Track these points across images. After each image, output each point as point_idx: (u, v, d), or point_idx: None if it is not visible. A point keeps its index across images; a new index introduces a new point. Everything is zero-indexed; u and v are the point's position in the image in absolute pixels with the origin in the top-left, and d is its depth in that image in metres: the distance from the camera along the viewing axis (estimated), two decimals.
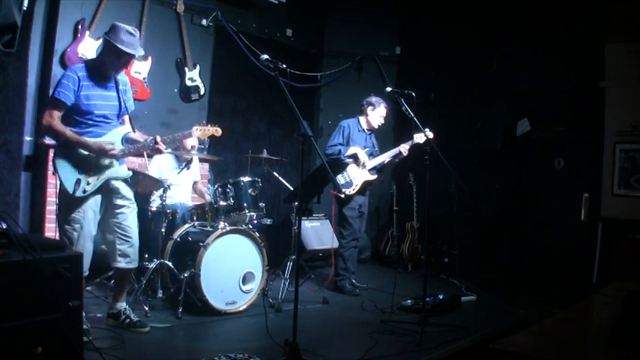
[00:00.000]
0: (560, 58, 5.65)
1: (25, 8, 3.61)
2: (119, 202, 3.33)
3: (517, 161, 6.02)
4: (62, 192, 3.18)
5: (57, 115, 3.08)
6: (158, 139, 3.26)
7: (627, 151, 5.18)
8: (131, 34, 3.17)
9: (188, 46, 5.45)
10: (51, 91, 3.18)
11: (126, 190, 3.38)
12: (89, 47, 4.66)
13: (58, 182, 3.18)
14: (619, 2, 5.24)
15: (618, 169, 5.21)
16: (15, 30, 3.46)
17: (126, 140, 3.40)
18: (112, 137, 3.27)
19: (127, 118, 3.46)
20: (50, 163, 4.46)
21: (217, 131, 3.58)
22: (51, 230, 4.48)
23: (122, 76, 3.40)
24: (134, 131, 3.45)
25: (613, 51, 5.26)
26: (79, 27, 4.61)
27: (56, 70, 4.55)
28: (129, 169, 3.54)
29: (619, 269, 4.64)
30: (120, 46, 3.12)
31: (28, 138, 4.47)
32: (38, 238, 3.29)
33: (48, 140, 4.51)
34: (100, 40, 4.72)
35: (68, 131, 3.10)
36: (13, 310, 2.27)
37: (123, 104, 3.33)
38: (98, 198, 3.26)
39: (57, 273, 2.42)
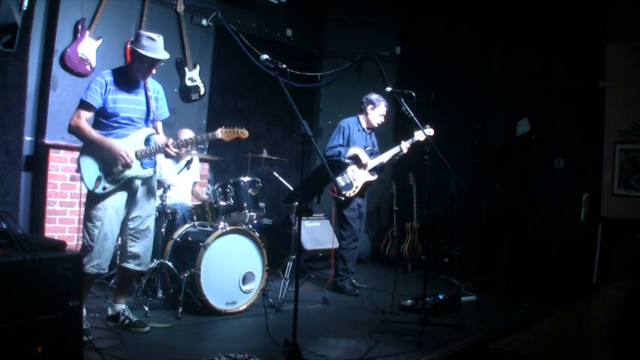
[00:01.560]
0: (560, 58, 5.65)
1: (25, 8, 3.60)
2: (138, 205, 3.40)
3: (517, 161, 6.02)
4: (87, 191, 3.27)
5: (84, 116, 3.22)
6: (169, 142, 3.34)
7: (627, 151, 5.18)
8: (152, 39, 3.29)
9: (188, 46, 5.46)
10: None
11: (147, 198, 3.45)
12: (89, 47, 4.66)
13: (82, 182, 3.26)
14: (619, 2, 5.24)
15: (618, 169, 5.22)
16: (15, 30, 3.46)
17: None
18: (135, 138, 3.33)
19: (158, 125, 3.55)
20: (52, 163, 4.51)
21: (243, 133, 3.54)
22: (51, 230, 4.48)
23: (154, 84, 3.49)
24: (157, 134, 3.52)
25: (613, 51, 5.27)
26: (79, 27, 4.61)
27: (56, 70, 4.56)
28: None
29: (619, 269, 4.64)
30: (141, 51, 3.24)
31: (28, 138, 4.47)
32: (38, 238, 3.29)
33: (48, 140, 4.52)
34: (100, 40, 4.75)
35: (93, 132, 3.22)
36: (13, 310, 2.26)
37: (152, 110, 3.41)
38: (122, 199, 3.31)
39: (57, 273, 2.42)
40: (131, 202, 3.38)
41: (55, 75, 4.56)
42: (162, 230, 4.16)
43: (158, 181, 4.31)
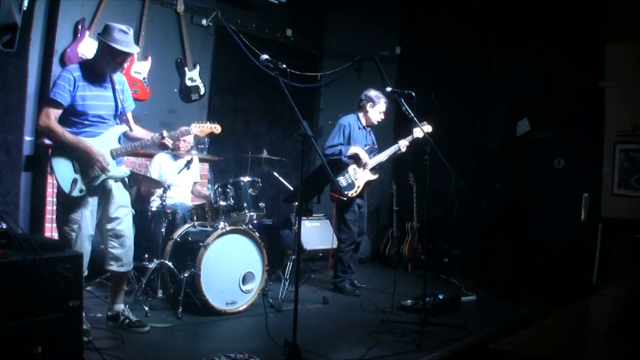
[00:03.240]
0: (560, 58, 5.65)
1: (25, 8, 3.60)
2: (113, 206, 3.31)
3: (517, 161, 6.02)
4: (59, 192, 3.17)
5: (53, 115, 3.09)
6: (165, 134, 3.30)
7: (627, 151, 5.18)
8: (124, 32, 3.17)
9: (188, 46, 5.45)
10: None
11: (121, 194, 3.36)
12: (89, 47, 4.66)
13: (55, 183, 3.18)
14: (619, 2, 5.24)
15: (618, 169, 5.22)
16: (15, 30, 3.45)
17: (128, 138, 3.41)
18: (108, 137, 3.26)
19: (128, 116, 3.46)
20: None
21: (216, 128, 3.55)
22: (51, 230, 4.48)
23: (118, 76, 3.39)
24: (131, 130, 3.46)
25: (613, 51, 5.26)
26: (79, 27, 4.61)
27: (56, 70, 4.54)
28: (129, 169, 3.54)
29: (619, 269, 4.63)
30: (113, 44, 3.13)
31: (28, 138, 4.46)
32: (38, 238, 3.29)
33: (48, 140, 4.51)
34: None
35: (66, 132, 3.11)
36: (13, 310, 2.26)
37: (120, 104, 3.33)
38: (96, 199, 3.26)
39: (57, 273, 2.42)
40: (106, 202, 3.30)
41: (55, 75, 4.53)
42: (163, 230, 4.16)
43: (158, 181, 4.32)
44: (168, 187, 4.21)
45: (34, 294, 2.32)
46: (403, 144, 4.82)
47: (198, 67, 5.55)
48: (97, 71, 3.23)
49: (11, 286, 2.26)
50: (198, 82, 5.57)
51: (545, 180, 5.78)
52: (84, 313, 2.84)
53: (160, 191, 4.23)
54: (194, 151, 4.79)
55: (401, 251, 6.35)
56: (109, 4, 4.79)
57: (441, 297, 4.35)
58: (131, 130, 3.47)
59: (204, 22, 5.63)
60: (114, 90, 3.30)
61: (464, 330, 3.76)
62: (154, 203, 4.45)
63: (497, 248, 6.05)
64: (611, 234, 4.98)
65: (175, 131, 3.45)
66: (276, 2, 6.23)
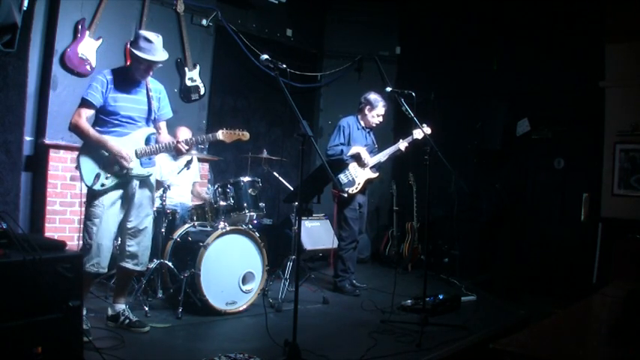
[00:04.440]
0: (560, 58, 5.65)
1: (25, 8, 3.60)
2: (136, 206, 3.40)
3: (517, 161, 6.02)
4: (87, 189, 3.29)
5: (85, 114, 3.25)
6: (180, 138, 3.39)
7: (627, 151, 5.18)
8: (149, 41, 3.30)
9: (188, 46, 5.46)
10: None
11: (145, 195, 3.45)
12: (89, 47, 4.66)
13: (81, 180, 3.27)
14: (619, 2, 5.24)
15: (618, 169, 5.22)
16: (15, 30, 3.46)
17: (155, 141, 3.49)
18: (135, 137, 3.35)
19: (162, 125, 3.58)
20: (52, 162, 4.51)
21: (244, 135, 3.55)
22: (51, 230, 4.48)
23: (156, 84, 3.51)
24: (159, 134, 3.55)
25: (613, 51, 5.27)
26: (79, 27, 4.61)
27: (56, 70, 4.55)
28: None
29: (619, 269, 4.64)
30: (137, 52, 3.27)
31: (28, 138, 4.47)
32: (38, 238, 3.29)
33: (48, 140, 4.52)
34: (101, 40, 4.75)
35: (92, 130, 3.24)
36: (13, 310, 2.26)
37: (154, 110, 3.44)
38: (120, 197, 3.33)
39: (57, 273, 2.42)
40: (129, 202, 3.39)
41: (55, 75, 4.56)
42: (163, 230, 4.16)
43: (158, 181, 4.32)
44: (168, 187, 4.20)
45: (34, 294, 2.32)
46: (403, 145, 4.85)
47: (198, 67, 5.55)
48: (129, 76, 3.37)
49: (11, 286, 2.26)
50: (198, 82, 5.57)
51: (545, 180, 5.78)
52: (84, 313, 2.85)
53: (160, 191, 4.23)
54: (194, 151, 4.78)
55: (401, 251, 6.35)
56: (109, 4, 4.79)
57: (441, 297, 4.35)
58: (160, 134, 3.56)
59: (204, 22, 5.63)
60: (148, 95, 3.42)
61: (464, 330, 3.76)
62: (154, 203, 4.45)
63: (497, 248, 6.06)
64: (611, 234, 4.99)
65: (199, 136, 3.53)
66: (276, 2, 6.23)
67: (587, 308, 2.72)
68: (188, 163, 4.61)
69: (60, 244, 2.60)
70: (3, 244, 2.33)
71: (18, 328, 2.26)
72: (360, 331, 3.76)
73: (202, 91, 5.63)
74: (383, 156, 4.93)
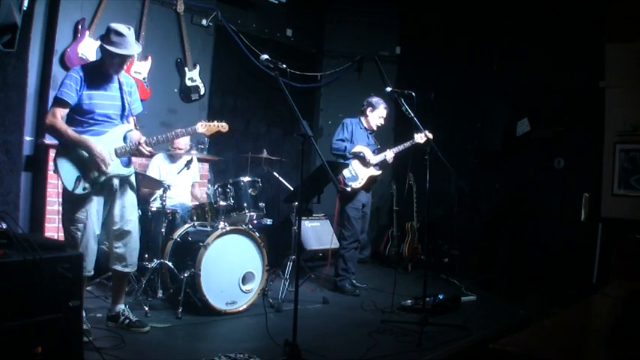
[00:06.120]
0: (560, 58, 5.65)
1: (25, 8, 3.60)
2: (119, 206, 3.32)
3: (517, 161, 6.02)
4: (65, 191, 3.18)
5: (60, 114, 3.12)
6: (142, 140, 3.28)
7: (627, 151, 5.18)
8: (120, 34, 3.17)
9: (188, 46, 5.45)
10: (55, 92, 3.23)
11: (128, 195, 3.36)
12: (89, 47, 4.66)
13: (60, 182, 3.19)
14: (619, 2, 5.24)
15: (618, 169, 5.22)
16: (15, 30, 3.46)
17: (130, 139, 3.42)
18: (113, 136, 3.27)
19: (131, 120, 3.49)
20: (51, 162, 4.50)
21: (223, 127, 3.52)
22: (51, 230, 4.48)
23: (127, 78, 3.43)
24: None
25: (613, 51, 5.27)
26: (79, 27, 4.61)
27: (56, 70, 4.55)
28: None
29: (619, 269, 4.63)
30: (108, 47, 3.16)
31: (28, 138, 4.47)
32: (38, 238, 3.29)
33: (48, 140, 4.52)
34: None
35: (69, 130, 3.12)
36: (13, 310, 2.27)
37: (127, 105, 3.35)
38: (102, 198, 3.26)
39: (57, 273, 2.42)
40: (112, 203, 3.31)
41: (55, 75, 4.55)
42: (162, 230, 4.16)
43: (158, 181, 4.32)
44: (168, 187, 4.21)
45: (34, 294, 2.32)
46: (403, 146, 4.88)
47: (198, 67, 5.55)
48: (102, 72, 3.26)
49: (11, 286, 2.26)
50: (198, 82, 5.57)
51: (545, 180, 5.78)
52: (84, 313, 2.85)
53: (159, 191, 4.23)
54: (194, 151, 4.78)
55: (401, 251, 6.35)
56: (109, 4, 4.79)
57: (441, 297, 4.35)
58: (133, 130, 3.46)
59: (204, 22, 5.63)
60: (121, 90, 3.32)
61: (464, 330, 3.76)
62: (154, 203, 4.45)
63: (497, 248, 6.05)
64: (611, 234, 4.98)
65: (176, 131, 3.44)
66: (276, 2, 6.23)
67: (587, 308, 2.72)
68: (188, 163, 4.61)
69: (60, 244, 2.61)
70: (3, 244, 2.33)
71: (18, 328, 2.27)
72: (360, 331, 3.76)
73: (202, 91, 5.62)
74: (383, 155, 4.93)
